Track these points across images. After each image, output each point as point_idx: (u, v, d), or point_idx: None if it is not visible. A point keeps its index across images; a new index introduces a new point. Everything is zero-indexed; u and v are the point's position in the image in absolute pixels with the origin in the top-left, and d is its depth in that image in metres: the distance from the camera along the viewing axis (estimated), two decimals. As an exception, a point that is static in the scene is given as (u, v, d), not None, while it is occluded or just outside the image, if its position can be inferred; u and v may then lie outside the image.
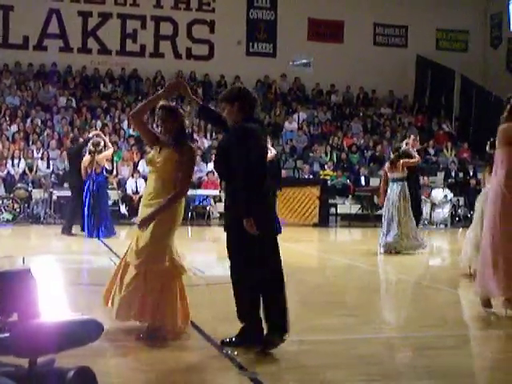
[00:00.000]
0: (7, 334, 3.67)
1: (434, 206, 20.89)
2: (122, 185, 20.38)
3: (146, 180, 20.10)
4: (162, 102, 6.17)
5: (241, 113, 5.66)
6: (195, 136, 22.76)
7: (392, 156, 13.37)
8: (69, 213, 15.73)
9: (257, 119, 5.90)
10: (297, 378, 4.95)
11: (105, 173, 19.94)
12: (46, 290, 3.98)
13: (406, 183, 13.11)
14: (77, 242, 14.05)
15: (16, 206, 18.35)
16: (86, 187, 14.74)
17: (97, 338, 4.05)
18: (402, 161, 13.18)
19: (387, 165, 13.38)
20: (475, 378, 5.18)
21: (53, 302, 3.99)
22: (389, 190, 13.10)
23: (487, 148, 10.25)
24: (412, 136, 14.74)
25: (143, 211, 6.02)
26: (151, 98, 6.28)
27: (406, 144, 14.05)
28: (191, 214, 19.53)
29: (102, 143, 15.13)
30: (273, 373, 5.01)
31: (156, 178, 5.99)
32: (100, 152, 14.81)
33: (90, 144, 15.07)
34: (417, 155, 13.69)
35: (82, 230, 14.96)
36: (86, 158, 14.82)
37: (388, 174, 13.24)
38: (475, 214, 10.38)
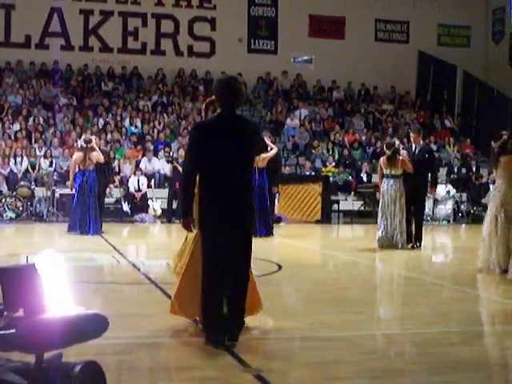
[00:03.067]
0: (13, 330, 3.67)
1: (436, 201, 20.84)
2: (124, 182, 20.37)
3: (147, 178, 20.30)
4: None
5: (218, 107, 5.65)
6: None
7: (389, 152, 13.21)
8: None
9: (229, 114, 5.51)
10: (301, 375, 4.93)
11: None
12: (51, 286, 3.96)
13: (401, 180, 13.08)
14: (80, 240, 14.04)
15: (19, 204, 18.37)
16: (77, 184, 14.70)
17: (103, 333, 4.03)
18: (401, 158, 13.11)
19: (384, 161, 13.21)
20: (480, 375, 5.15)
21: (58, 298, 3.96)
22: (385, 186, 13.00)
23: (492, 143, 10.23)
24: (412, 134, 14.60)
25: None
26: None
27: (400, 144, 13.90)
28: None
29: (94, 141, 15.07)
30: (277, 369, 4.99)
31: None
32: (92, 149, 14.75)
33: (81, 141, 15.07)
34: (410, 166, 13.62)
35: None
36: (78, 155, 14.76)
37: (384, 170, 13.13)
38: (489, 211, 10.26)
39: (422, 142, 14.29)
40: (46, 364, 3.83)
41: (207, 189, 5.42)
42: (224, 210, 5.37)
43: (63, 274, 9.30)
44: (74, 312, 3.91)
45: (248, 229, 5.57)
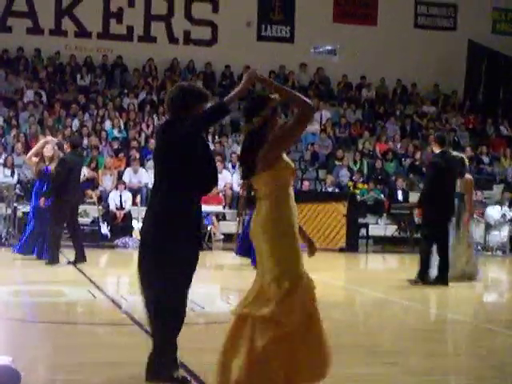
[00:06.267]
0: None
1: (489, 227, 20.82)
2: (103, 199, 20.38)
3: (132, 193, 20.30)
4: None
5: None
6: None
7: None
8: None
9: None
10: None
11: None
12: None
13: None
14: (49, 270, 13.99)
15: (-30, 223, 18.39)
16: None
17: None
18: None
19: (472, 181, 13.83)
20: None
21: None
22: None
23: None
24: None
25: None
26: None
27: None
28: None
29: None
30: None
31: None
32: None
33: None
34: None
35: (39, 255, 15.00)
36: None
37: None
38: None
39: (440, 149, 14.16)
40: None
41: None
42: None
43: (23, 314, 9.31)
44: None
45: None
